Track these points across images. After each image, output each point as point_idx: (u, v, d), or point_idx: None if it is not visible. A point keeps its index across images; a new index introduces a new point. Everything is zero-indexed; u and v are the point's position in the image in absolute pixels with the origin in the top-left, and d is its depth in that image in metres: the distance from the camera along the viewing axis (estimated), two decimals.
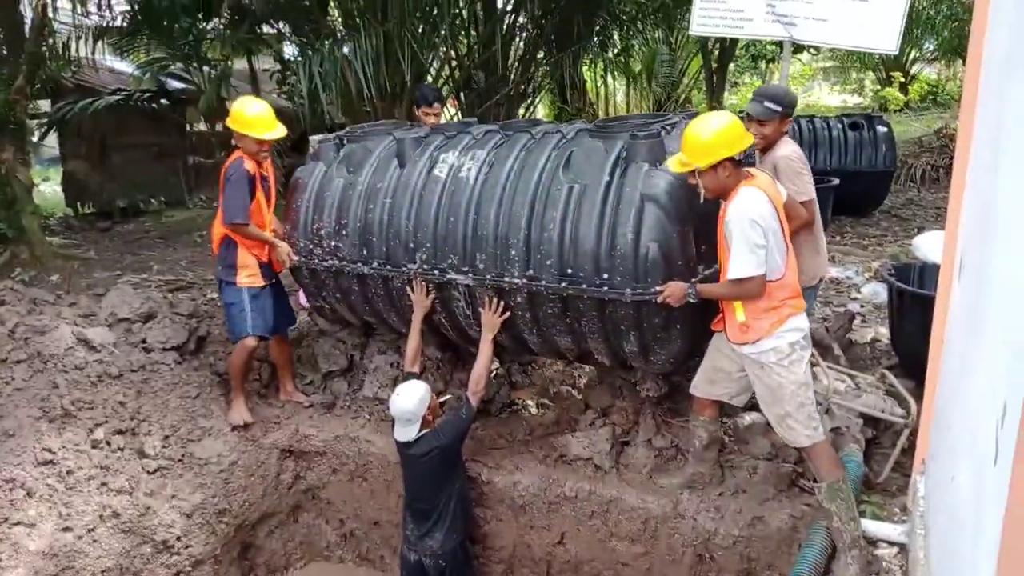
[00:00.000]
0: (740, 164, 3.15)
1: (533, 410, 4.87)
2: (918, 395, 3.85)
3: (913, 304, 4.47)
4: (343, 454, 4.73)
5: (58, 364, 4.39)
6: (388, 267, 4.20)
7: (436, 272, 4.02)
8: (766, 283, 3.10)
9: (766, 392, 3.26)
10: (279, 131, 4.46)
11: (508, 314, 3.88)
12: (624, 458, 4.16)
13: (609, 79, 16.38)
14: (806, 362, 3.21)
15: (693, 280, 3.46)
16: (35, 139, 11.71)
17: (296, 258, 4.53)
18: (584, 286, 3.57)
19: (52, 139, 12.19)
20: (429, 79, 9.46)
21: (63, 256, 8.27)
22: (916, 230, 8.34)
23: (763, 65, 17.07)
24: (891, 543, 3.30)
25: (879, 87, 19.90)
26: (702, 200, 3.26)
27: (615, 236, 3.48)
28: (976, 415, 2.15)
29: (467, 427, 3.98)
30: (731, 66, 16.60)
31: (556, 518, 4.10)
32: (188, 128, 12.40)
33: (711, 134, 3.07)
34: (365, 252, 4.30)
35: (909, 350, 4.63)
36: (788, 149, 3.93)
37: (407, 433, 3.87)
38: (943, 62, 20.97)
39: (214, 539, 4.31)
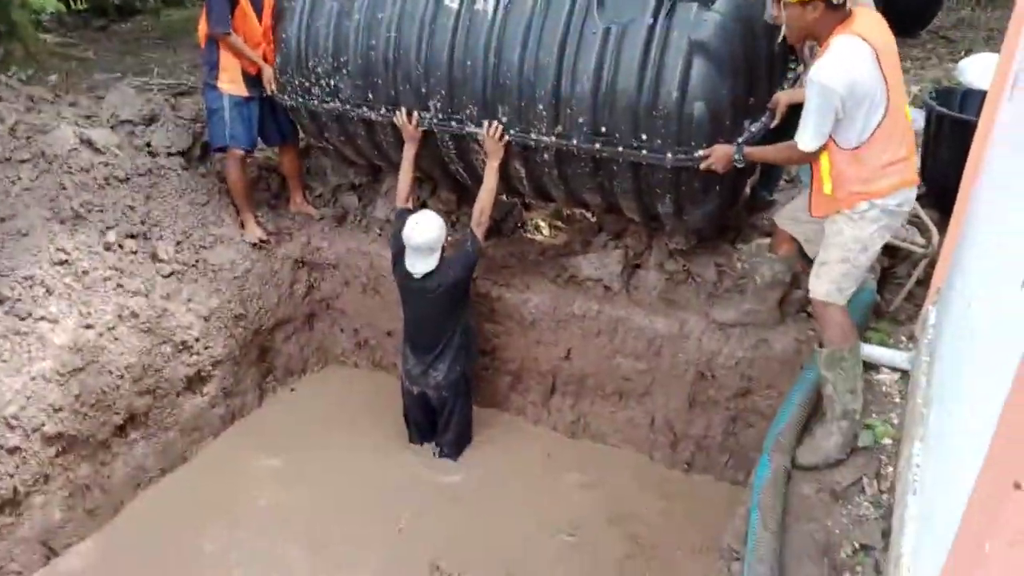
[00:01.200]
0: (838, 8, 2.65)
1: (545, 232, 4.82)
2: (941, 226, 3.74)
3: (952, 130, 4.22)
4: (355, 267, 4.77)
5: (63, 165, 4.29)
6: (397, 113, 3.82)
7: (453, 123, 3.67)
8: (853, 151, 2.74)
9: (826, 233, 2.99)
10: None
11: (507, 138, 3.58)
12: (634, 280, 4.16)
13: None
14: (881, 226, 2.84)
15: (739, 141, 3.15)
16: None
17: (288, 99, 4.18)
18: (620, 148, 3.26)
19: None
20: None
21: (60, 55, 7.90)
22: (964, 53, 7.75)
23: None
24: (894, 368, 3.35)
25: None
26: (780, 39, 2.85)
27: (657, 92, 3.12)
28: (1015, 236, 2.04)
29: (475, 260, 3.89)
30: None
31: (564, 335, 4.19)
32: None
33: None
34: (370, 95, 3.88)
35: (940, 179, 4.43)
36: None
37: (428, 264, 3.78)
38: None
39: (232, 342, 4.46)
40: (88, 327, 3.80)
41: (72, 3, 10.64)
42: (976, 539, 1.34)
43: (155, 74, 7.51)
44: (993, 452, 1.34)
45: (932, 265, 3.66)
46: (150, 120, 4.88)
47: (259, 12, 4.26)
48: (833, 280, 2.92)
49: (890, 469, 2.83)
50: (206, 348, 4.31)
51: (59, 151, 4.33)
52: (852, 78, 2.60)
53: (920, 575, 2.03)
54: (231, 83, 4.31)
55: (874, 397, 3.19)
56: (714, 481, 4.06)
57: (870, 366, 3.32)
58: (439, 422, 4.22)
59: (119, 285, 4.01)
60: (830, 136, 2.74)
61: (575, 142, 3.36)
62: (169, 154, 4.73)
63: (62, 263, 3.94)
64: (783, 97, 3.47)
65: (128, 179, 4.45)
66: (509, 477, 4.16)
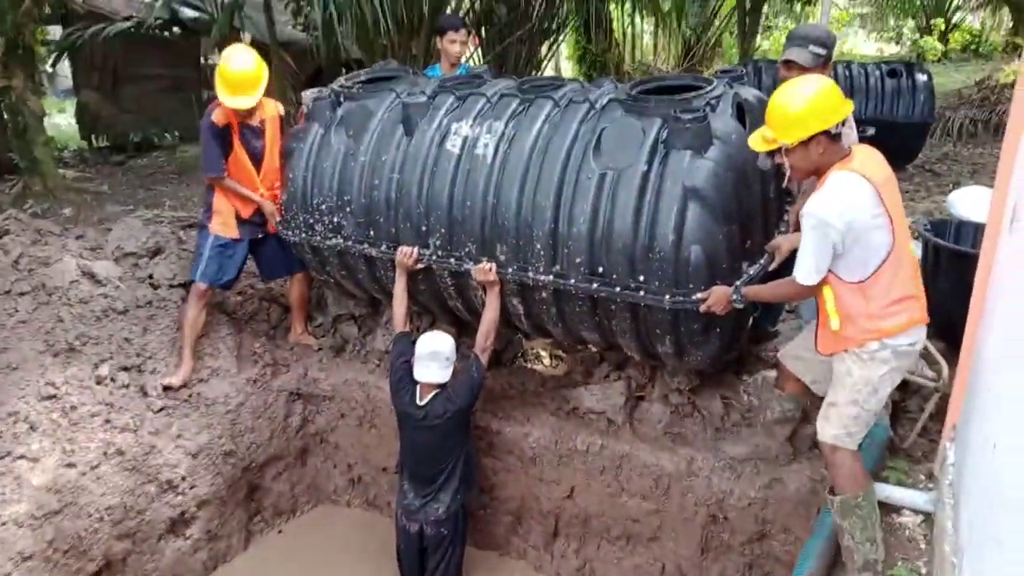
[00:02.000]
0: (837, 138, 2.67)
1: (546, 361, 4.74)
2: (949, 357, 3.67)
3: (950, 261, 4.25)
4: (352, 399, 4.66)
5: (63, 297, 4.30)
6: (397, 250, 3.84)
7: (452, 260, 3.70)
8: (858, 286, 2.69)
9: (834, 374, 2.90)
10: (248, 100, 4.04)
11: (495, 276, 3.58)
12: (638, 413, 4.04)
13: (637, 18, 15.75)
14: (892, 368, 2.75)
15: (737, 284, 3.16)
16: (48, 67, 11.50)
17: (293, 235, 4.24)
18: (617, 288, 3.26)
19: (67, 70, 11.99)
20: (448, 12, 9.10)
21: (76, 189, 8.17)
22: (951, 186, 7.98)
23: (798, 7, 16.31)
24: (916, 511, 3.17)
25: (918, 36, 19.04)
26: (787, 182, 2.91)
27: (653, 235, 3.14)
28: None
29: (480, 386, 3.81)
30: (765, 8, 15.89)
31: (566, 471, 4.02)
32: (203, 60, 12.11)
33: (802, 104, 2.61)
34: (372, 232, 3.95)
35: (942, 310, 4.37)
36: None
37: (442, 375, 3.71)
38: (987, 10, 19.96)
39: (220, 480, 4.28)
40: (70, 466, 3.66)
41: (94, 140, 11.16)
42: None
43: (166, 207, 7.73)
44: None
45: (944, 399, 3.55)
46: (155, 252, 4.94)
47: (255, 157, 4.33)
48: (843, 424, 2.80)
49: None
50: (192, 487, 4.12)
51: (60, 283, 4.36)
52: (849, 212, 2.58)
53: None
54: (223, 225, 4.36)
55: (897, 542, 3.00)
56: None
57: (890, 508, 3.15)
58: (429, 564, 3.96)
59: (107, 420, 3.90)
60: (831, 271, 2.71)
61: (572, 281, 3.37)
62: (171, 286, 4.75)
63: (50, 398, 3.85)
64: (784, 243, 3.44)
65: (127, 311, 4.45)
66: None
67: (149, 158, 10.63)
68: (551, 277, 3.42)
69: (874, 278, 2.67)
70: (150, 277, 4.77)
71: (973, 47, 18.78)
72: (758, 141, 2.78)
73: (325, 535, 4.64)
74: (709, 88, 3.41)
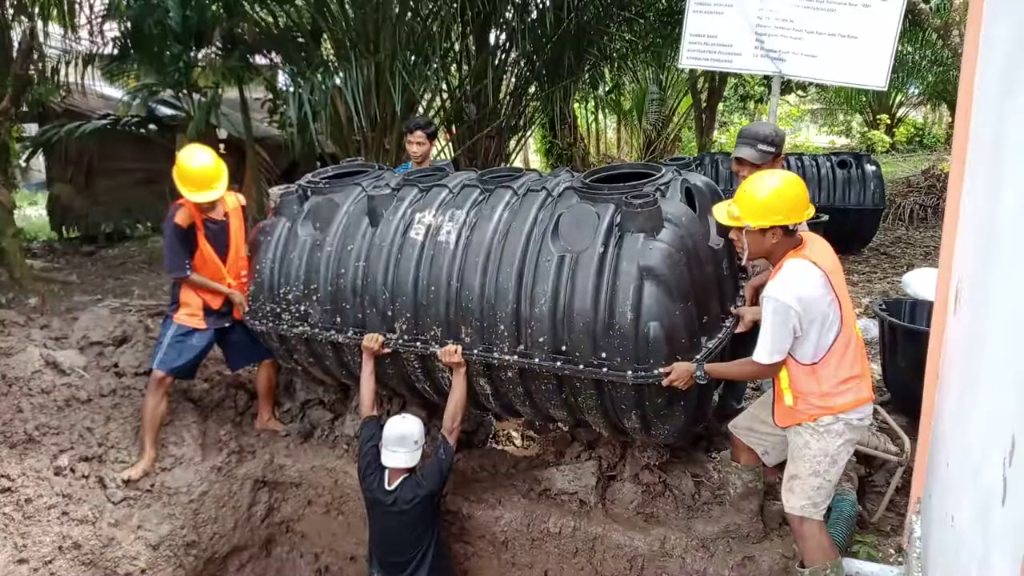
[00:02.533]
0: (792, 233, 2.88)
1: (517, 442, 4.73)
2: (911, 431, 3.76)
3: (905, 339, 4.40)
4: (319, 485, 4.56)
5: (24, 387, 4.24)
6: (364, 336, 3.87)
7: (418, 344, 3.75)
8: (811, 367, 2.86)
9: (791, 447, 3.04)
10: (212, 193, 4.13)
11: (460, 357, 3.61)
12: (610, 493, 4.01)
13: (600, 115, 16.54)
14: (846, 440, 2.92)
15: (698, 358, 3.28)
16: (21, 162, 11.61)
17: (259, 324, 4.24)
18: (580, 366, 3.33)
19: (40, 163, 12.11)
20: (420, 111, 9.47)
21: (43, 279, 8.12)
22: (905, 267, 8.33)
23: (751, 105, 17.29)
24: None
25: (866, 129, 20.20)
26: (743, 261, 3.08)
27: (612, 313, 3.23)
28: (978, 452, 2.05)
29: (449, 468, 3.77)
30: (720, 106, 16.82)
31: (539, 555, 3.94)
32: (176, 154, 12.34)
33: (771, 197, 2.81)
34: (338, 319, 4.00)
35: (901, 386, 4.55)
36: None
37: (411, 459, 3.69)
38: (928, 106, 21.34)
39: (181, 572, 4.12)
40: (21, 561, 3.51)
41: (64, 231, 11.17)
42: None
43: (135, 295, 7.70)
44: None
45: (909, 472, 3.62)
46: (121, 340, 4.91)
47: (221, 250, 4.39)
48: (807, 495, 2.93)
49: None
50: None
51: (21, 373, 4.30)
52: (805, 296, 2.75)
53: None
54: (189, 316, 4.38)
55: None
56: None
57: None
58: None
59: (64, 512, 3.78)
60: (788, 353, 2.85)
61: (537, 360, 3.42)
62: (136, 374, 4.70)
63: (4, 491, 3.73)
64: (748, 313, 3.59)
65: (90, 400, 4.39)
66: None
67: (120, 248, 10.64)
68: (516, 357, 3.46)
69: (824, 360, 2.85)
70: (115, 366, 4.72)
71: (918, 139, 19.95)
72: (723, 214, 2.96)
73: None
74: (658, 175, 3.59)
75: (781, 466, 3.27)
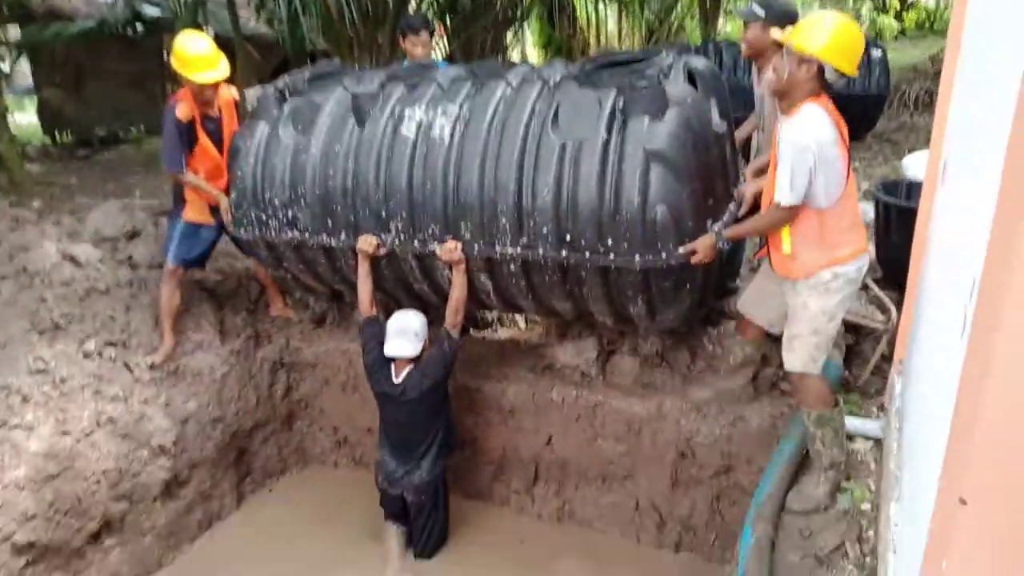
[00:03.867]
0: (822, 81, 2.81)
1: (521, 324, 4.93)
2: (900, 304, 3.92)
3: (899, 217, 4.51)
4: (334, 366, 4.81)
5: (45, 279, 4.38)
6: (358, 238, 3.82)
7: (416, 243, 3.69)
8: (816, 212, 2.88)
9: (790, 308, 3.11)
10: (218, 72, 4.10)
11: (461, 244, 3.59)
12: (610, 366, 4.24)
13: (600, 4, 15.95)
14: (844, 296, 2.98)
15: (716, 229, 3.28)
16: (4, 67, 11.36)
17: (245, 232, 4.17)
18: (587, 255, 3.30)
19: (26, 69, 11.84)
20: (413, 3, 9.20)
21: (43, 183, 8.15)
22: (907, 152, 8.32)
23: None
24: (867, 437, 3.42)
25: (876, 15, 19.51)
26: (762, 85, 3.05)
27: (619, 199, 3.19)
28: (952, 298, 2.19)
29: (452, 360, 3.89)
30: None
31: (544, 422, 4.22)
32: (165, 55, 12.05)
33: (827, 28, 2.73)
34: (330, 222, 3.89)
35: (893, 261, 4.69)
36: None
37: (413, 349, 3.80)
38: None
39: (209, 444, 4.42)
40: (64, 433, 3.77)
41: (57, 136, 11.08)
42: (936, 562, 1.39)
43: (137, 196, 7.75)
44: (944, 473, 1.41)
45: (894, 340, 3.81)
46: (132, 235, 5.02)
47: (219, 146, 4.37)
48: (807, 352, 3.03)
49: (871, 533, 2.84)
50: (183, 452, 4.26)
51: (41, 267, 4.43)
52: (821, 138, 2.78)
53: None
54: (195, 213, 4.42)
55: (851, 464, 3.24)
56: (703, 561, 3.99)
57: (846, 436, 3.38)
58: (415, 527, 4.12)
59: (97, 391, 4.01)
60: None
61: (541, 252, 3.41)
62: (150, 267, 4.83)
63: (40, 372, 3.94)
64: (748, 188, 3.64)
65: (108, 291, 4.53)
66: (493, 571, 4.04)
67: (115, 151, 10.58)
68: (519, 249, 3.45)
69: (830, 207, 2.88)
70: (129, 259, 4.85)
71: (929, 24, 19.30)
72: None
73: (314, 493, 4.80)
74: (660, 58, 3.51)
75: None
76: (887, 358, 3.98)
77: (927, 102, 11.37)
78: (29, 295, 4.32)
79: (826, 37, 2.73)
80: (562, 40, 14.92)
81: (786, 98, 2.90)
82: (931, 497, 1.60)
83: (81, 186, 8.35)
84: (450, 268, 3.73)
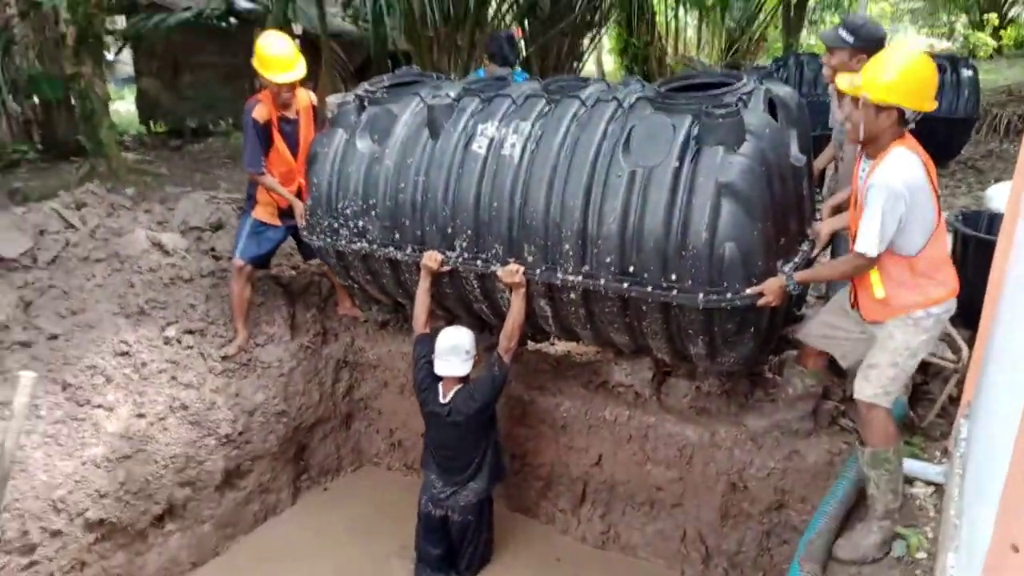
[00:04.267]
0: (905, 122, 2.77)
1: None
2: (971, 343, 3.78)
3: (977, 251, 4.33)
4: (395, 368, 4.95)
5: (134, 265, 4.66)
6: (423, 253, 3.82)
7: (479, 263, 3.67)
8: (905, 257, 2.84)
9: (877, 339, 3.03)
10: (294, 73, 4.23)
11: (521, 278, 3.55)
12: (665, 387, 4.22)
13: (680, 11, 15.76)
14: (931, 336, 2.94)
15: (787, 271, 3.18)
16: (110, 56, 12.06)
17: (317, 239, 4.26)
18: (649, 288, 3.21)
19: (127, 59, 12.53)
20: (493, 4, 9.32)
21: (137, 171, 8.61)
22: (993, 182, 7.95)
23: (845, 2, 16.14)
24: (928, 482, 3.32)
25: (971, 31, 18.63)
26: (844, 136, 2.97)
27: (686, 232, 3.10)
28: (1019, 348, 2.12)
29: (502, 385, 3.85)
30: (810, 2, 15.77)
31: (595, 440, 4.24)
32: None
33: (899, 71, 2.67)
34: (397, 235, 3.91)
35: (970, 298, 4.50)
36: None
37: (461, 367, 3.79)
38: None
39: (273, 437, 4.62)
40: (140, 416, 4.01)
41: (152, 126, 11.70)
42: None
43: (222, 188, 8.12)
44: (998, 520, 1.40)
45: (963, 381, 3.68)
46: (217, 227, 5.29)
47: (294, 149, 4.53)
48: (881, 384, 2.96)
49: None
50: (248, 443, 4.47)
51: (132, 252, 4.71)
52: (912, 183, 2.72)
53: None
54: (265, 213, 4.60)
55: (908, 510, 3.15)
56: None
57: (905, 479, 3.29)
58: (460, 548, 4.11)
59: (173, 377, 4.25)
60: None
61: (602, 282, 3.32)
62: (231, 258, 5.07)
63: (123, 354, 4.20)
64: (824, 227, 3.51)
65: (192, 280, 4.79)
66: None
67: (204, 143, 11.09)
68: (580, 277, 3.38)
69: (924, 251, 2.83)
70: (212, 249, 5.11)
71: None
72: (845, 82, 2.86)
73: (367, 494, 4.95)
74: (740, 84, 3.39)
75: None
76: (955, 400, 3.85)
77: (1020, 128, 10.82)
78: (119, 279, 4.61)
79: (898, 81, 2.67)
80: (640, 47, 14.80)
81: (870, 145, 2.84)
82: (987, 545, 1.56)
83: (171, 176, 8.79)
84: (510, 291, 3.69)
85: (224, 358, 4.53)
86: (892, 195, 2.68)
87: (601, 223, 3.28)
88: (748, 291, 3.12)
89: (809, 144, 3.67)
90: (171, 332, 4.43)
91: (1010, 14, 18.69)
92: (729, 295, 3.12)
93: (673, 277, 3.19)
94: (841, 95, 3.70)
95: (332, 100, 4.63)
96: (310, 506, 4.86)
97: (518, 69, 5.53)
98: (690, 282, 3.15)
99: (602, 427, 4.19)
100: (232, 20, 11.59)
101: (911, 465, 3.38)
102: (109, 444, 3.85)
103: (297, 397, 4.77)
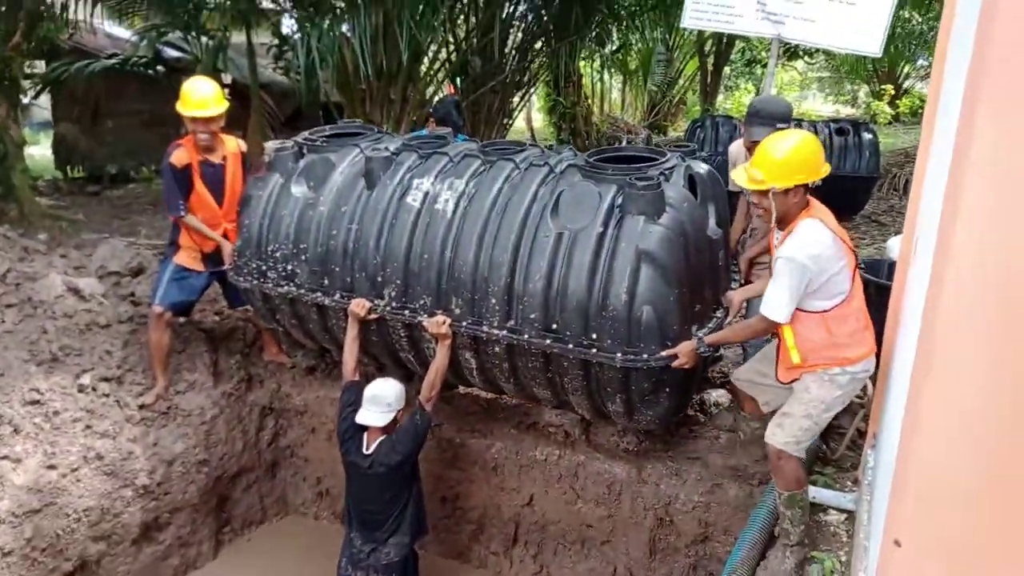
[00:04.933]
0: (808, 191, 2.96)
1: None
2: (875, 379, 4.03)
3: (877, 294, 4.65)
4: (323, 414, 4.87)
5: (48, 311, 4.49)
6: (351, 300, 3.83)
7: (406, 312, 3.70)
8: (820, 315, 2.96)
9: (794, 389, 3.14)
10: (210, 110, 4.22)
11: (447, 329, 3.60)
12: (594, 427, 4.30)
13: (605, 75, 16.53)
14: (845, 393, 3.07)
15: (700, 335, 3.34)
16: (27, 100, 11.68)
17: (244, 280, 4.22)
18: (570, 345, 3.32)
19: (44, 103, 12.18)
20: (426, 61, 9.56)
21: (51, 215, 8.31)
22: (893, 234, 8.55)
23: (758, 70, 17.30)
24: (840, 510, 3.48)
25: (871, 99, 20.18)
26: (755, 221, 3.17)
27: (607, 294, 3.22)
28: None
29: (424, 434, 3.83)
30: (726, 69, 16.82)
31: (526, 480, 4.27)
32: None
33: (793, 154, 2.88)
34: (326, 281, 3.93)
35: (876, 338, 4.83)
36: None
37: (380, 419, 3.72)
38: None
39: (193, 488, 4.44)
40: (51, 467, 3.81)
41: (69, 171, 11.33)
42: None
43: (142, 235, 7.91)
44: (887, 521, 1.52)
45: (868, 415, 3.91)
46: (136, 272, 5.15)
47: (217, 193, 4.49)
48: (793, 434, 3.08)
49: None
50: (166, 494, 4.29)
51: (45, 297, 4.55)
52: (819, 254, 2.87)
53: None
54: (188, 259, 4.52)
55: (822, 536, 3.30)
56: None
57: (818, 507, 3.45)
58: None
59: (88, 426, 4.07)
60: (797, 306, 2.96)
61: (526, 337, 3.39)
62: (150, 304, 4.94)
63: (34, 403, 4.01)
64: (737, 295, 3.65)
65: (109, 326, 4.64)
66: None
67: (125, 189, 10.80)
68: (505, 332, 3.45)
69: (836, 310, 2.97)
70: (132, 295, 4.97)
71: (922, 111, 19.92)
72: (744, 178, 2.98)
73: (292, 544, 4.80)
74: (663, 159, 3.60)
75: None
76: (863, 433, 4.08)
77: None
78: (31, 324, 4.43)
79: (796, 161, 2.86)
80: (567, 106, 15.38)
81: (783, 222, 3.01)
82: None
83: (89, 222, 8.51)
84: (436, 341, 3.72)
85: (142, 407, 4.37)
86: (797, 268, 2.84)
87: (527, 280, 3.38)
88: (663, 353, 3.25)
89: (726, 217, 3.84)
90: (86, 380, 4.26)
91: (905, 85, 20.38)
92: (645, 356, 3.24)
93: (594, 336, 3.29)
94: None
95: (270, 146, 4.63)
96: (233, 559, 4.68)
97: (463, 135, 5.67)
98: (609, 341, 3.26)
99: (533, 467, 4.23)
100: (159, 68, 11.47)
101: (825, 494, 3.55)
102: (15, 498, 3.63)
103: (219, 446, 4.62)
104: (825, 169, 2.95)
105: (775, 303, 2.91)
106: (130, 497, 4.09)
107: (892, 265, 5.19)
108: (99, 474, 3.99)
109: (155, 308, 4.46)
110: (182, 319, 4.82)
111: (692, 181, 3.60)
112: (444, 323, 3.60)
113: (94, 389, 4.27)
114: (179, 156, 4.31)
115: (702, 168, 3.72)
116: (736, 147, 4.13)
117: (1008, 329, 1.17)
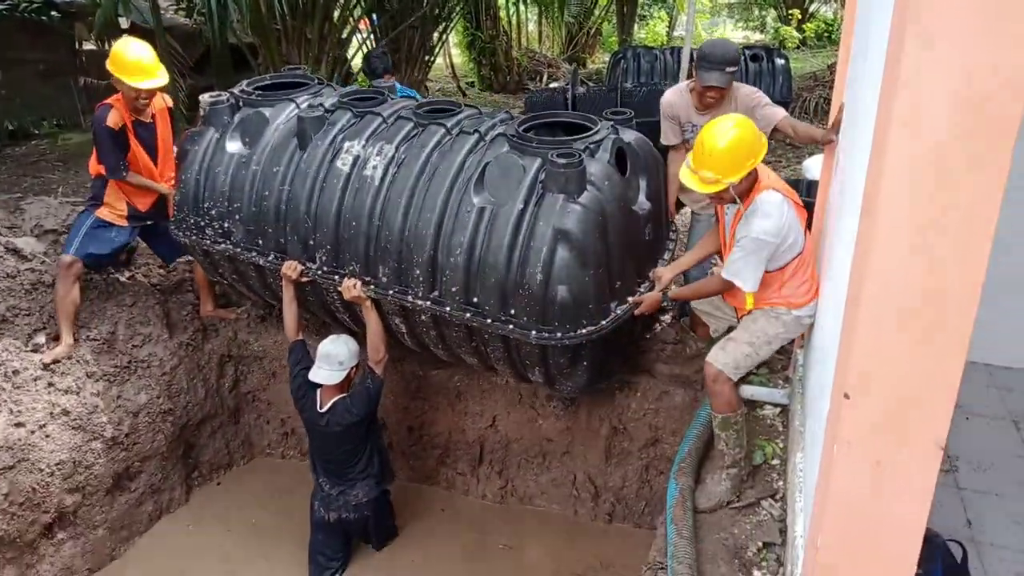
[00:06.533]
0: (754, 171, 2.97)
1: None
2: None
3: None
4: (281, 358, 4.94)
5: None
6: (284, 262, 3.83)
7: (336, 277, 3.72)
8: (776, 272, 3.08)
9: (744, 317, 3.26)
10: (157, 80, 4.14)
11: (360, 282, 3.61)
12: None
13: (521, 7, 16.38)
14: (788, 331, 3.18)
15: (663, 290, 3.45)
16: None
17: (184, 236, 4.18)
18: (489, 320, 3.33)
19: None
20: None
21: None
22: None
23: None
24: (775, 404, 3.89)
25: (779, 24, 20.74)
26: (718, 206, 3.19)
27: (524, 273, 3.22)
28: (841, 270, 2.62)
29: (377, 396, 3.89)
30: None
31: (488, 403, 4.53)
32: (78, 46, 11.64)
33: (736, 144, 2.84)
34: (260, 242, 3.92)
35: None
36: (744, 88, 3.90)
37: (331, 377, 3.77)
38: (839, 2, 21.95)
39: (160, 437, 4.52)
40: (19, 425, 3.82)
41: None
42: (829, 448, 1.81)
43: (59, 192, 7.58)
44: (835, 379, 1.83)
45: None
46: None
47: (152, 153, 4.42)
48: (734, 358, 3.19)
49: (781, 483, 3.30)
50: (135, 444, 4.35)
51: None
52: (782, 226, 2.96)
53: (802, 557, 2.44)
54: (112, 215, 4.41)
55: (761, 428, 3.70)
56: (633, 528, 4.40)
57: (754, 403, 3.85)
58: (368, 535, 4.21)
59: (50, 384, 4.06)
60: None
61: (448, 309, 3.42)
62: (62, 253, 4.82)
63: None
64: (666, 273, 3.60)
65: (54, 284, 4.54)
66: (441, 555, 4.32)
67: (28, 146, 10.19)
68: (429, 303, 3.46)
69: (789, 266, 3.13)
70: None
71: (828, 35, 20.67)
72: (701, 184, 2.90)
73: (262, 485, 4.95)
74: (592, 132, 3.56)
75: None
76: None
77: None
78: None
79: (741, 151, 2.85)
80: (486, 41, 15.23)
81: (742, 200, 3.04)
82: (823, 437, 2.00)
83: None
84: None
85: (46, 367, 4.15)
86: (766, 245, 2.95)
87: (450, 254, 3.38)
88: (630, 300, 3.39)
89: (659, 187, 3.89)
90: (40, 339, 4.22)
91: (811, 9, 20.99)
92: (559, 334, 3.28)
93: (512, 312, 3.31)
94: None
95: (205, 98, 4.51)
96: (204, 501, 4.80)
97: (398, 83, 5.55)
98: (525, 318, 3.29)
99: (495, 391, 4.49)
100: (53, 14, 10.72)
101: (760, 391, 3.94)
102: None
103: (182, 395, 4.68)
104: (764, 142, 2.96)
105: (745, 275, 3.00)
106: (100, 449, 4.14)
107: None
108: (67, 429, 4.01)
109: (65, 257, 4.27)
110: (141, 270, 4.69)
111: (621, 153, 3.58)
112: (354, 286, 3.60)
113: (49, 347, 4.23)
114: (114, 118, 4.16)
115: (632, 138, 3.68)
116: (671, 97, 4.01)
117: (934, 200, 1.41)
